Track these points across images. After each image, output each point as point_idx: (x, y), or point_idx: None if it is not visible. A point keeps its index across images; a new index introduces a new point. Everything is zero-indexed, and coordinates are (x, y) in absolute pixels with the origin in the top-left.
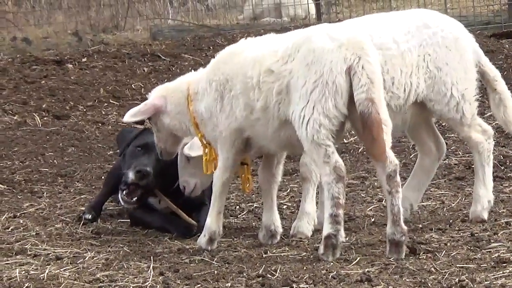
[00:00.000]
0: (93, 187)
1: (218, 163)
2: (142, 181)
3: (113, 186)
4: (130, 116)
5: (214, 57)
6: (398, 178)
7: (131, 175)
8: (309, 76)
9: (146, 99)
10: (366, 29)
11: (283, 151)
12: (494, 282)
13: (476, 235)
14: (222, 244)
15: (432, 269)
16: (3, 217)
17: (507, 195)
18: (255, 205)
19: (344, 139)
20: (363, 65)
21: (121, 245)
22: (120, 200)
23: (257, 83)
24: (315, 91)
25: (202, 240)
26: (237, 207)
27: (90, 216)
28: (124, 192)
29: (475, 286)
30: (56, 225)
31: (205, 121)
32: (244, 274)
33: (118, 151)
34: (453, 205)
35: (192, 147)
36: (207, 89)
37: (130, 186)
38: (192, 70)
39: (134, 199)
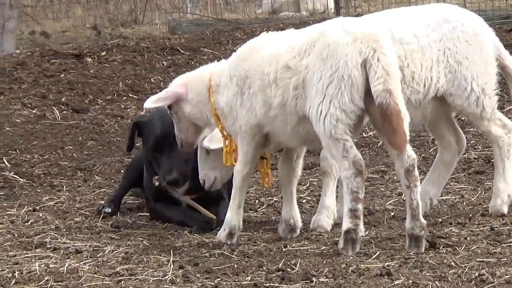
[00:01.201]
0: (112, 180)
1: (238, 157)
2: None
3: (133, 180)
4: (151, 102)
5: (233, 51)
6: (416, 172)
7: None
8: (324, 70)
9: None
10: (386, 24)
11: (302, 146)
12: None
13: (496, 229)
14: (242, 238)
15: (452, 263)
16: (23, 211)
17: None
18: (274, 199)
19: (363, 133)
20: (379, 58)
21: (140, 239)
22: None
23: (274, 80)
24: (331, 85)
25: (222, 234)
26: (257, 201)
27: (109, 209)
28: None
29: (495, 280)
30: (75, 219)
31: (225, 115)
32: (264, 268)
33: (137, 144)
34: (472, 199)
35: (212, 140)
36: (228, 83)
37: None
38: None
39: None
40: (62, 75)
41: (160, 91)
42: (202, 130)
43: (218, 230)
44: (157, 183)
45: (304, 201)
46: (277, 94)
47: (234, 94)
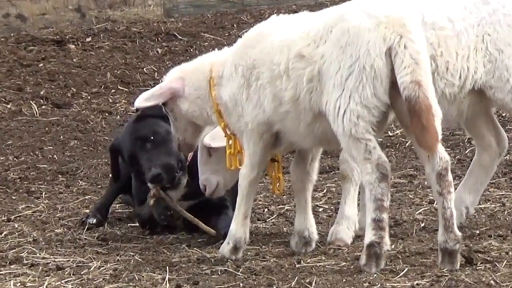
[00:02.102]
0: (99, 186)
1: (244, 159)
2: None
3: (121, 185)
4: (142, 100)
5: (238, 37)
6: (450, 177)
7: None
8: (343, 60)
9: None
10: (416, 6)
11: (318, 147)
12: None
13: None
14: (249, 253)
15: (492, 281)
16: None
17: None
18: (286, 207)
19: (388, 132)
20: (405, 44)
21: (131, 253)
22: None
23: (286, 70)
24: (350, 77)
25: (225, 248)
26: (266, 210)
27: (95, 220)
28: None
29: None
30: (56, 230)
31: (229, 110)
32: (274, 287)
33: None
34: None
35: (214, 137)
36: (232, 74)
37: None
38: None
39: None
40: (41, 65)
41: (154, 82)
42: (202, 130)
43: (221, 243)
44: (151, 202)
45: (320, 209)
46: (289, 87)
47: (239, 86)
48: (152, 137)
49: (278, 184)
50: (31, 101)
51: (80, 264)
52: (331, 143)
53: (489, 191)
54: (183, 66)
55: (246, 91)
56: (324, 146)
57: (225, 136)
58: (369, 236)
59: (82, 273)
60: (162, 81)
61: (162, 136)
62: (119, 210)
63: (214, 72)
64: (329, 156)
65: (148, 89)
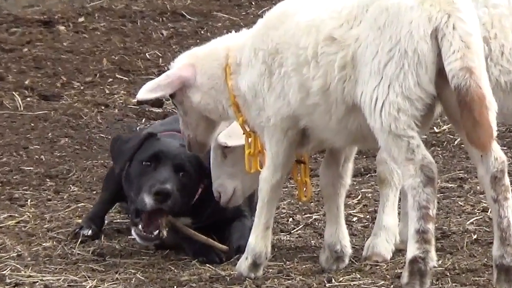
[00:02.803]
0: (94, 192)
1: (266, 160)
2: (165, 204)
3: (116, 191)
4: (146, 92)
5: (257, 17)
6: (507, 180)
7: (148, 201)
8: (381, 43)
9: (165, 72)
10: None
11: (352, 145)
12: None
13: None
14: (270, 270)
15: None
16: None
17: None
18: (314, 216)
19: (434, 128)
20: (454, 25)
21: (132, 271)
22: (136, 237)
23: (314, 55)
24: (390, 63)
25: (243, 264)
26: (290, 219)
27: (90, 231)
28: (140, 226)
29: None
30: (44, 244)
31: (248, 103)
32: None
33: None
34: None
35: (230, 135)
36: (251, 60)
37: (148, 215)
38: (230, 32)
39: (155, 232)
40: (26, 49)
41: (158, 70)
42: (216, 126)
43: (238, 258)
44: (165, 232)
45: (354, 219)
46: (318, 75)
47: (260, 74)
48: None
49: (305, 189)
50: (13, 92)
51: (72, 284)
52: (367, 141)
53: None
54: (193, 51)
55: (268, 80)
56: (359, 144)
57: (244, 133)
58: (412, 250)
59: None
60: (169, 69)
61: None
62: (118, 220)
63: (230, 58)
64: (364, 156)
65: (151, 78)
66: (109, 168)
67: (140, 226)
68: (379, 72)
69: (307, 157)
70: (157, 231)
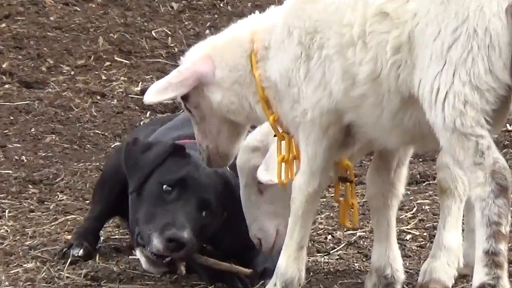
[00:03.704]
0: (87, 201)
1: (301, 164)
2: (176, 254)
3: (109, 203)
4: (155, 93)
5: None
6: None
7: (157, 244)
8: (445, 21)
9: (174, 55)
10: None
11: (408, 146)
12: None
13: None
14: None
15: None
16: None
17: None
18: (358, 233)
19: (508, 125)
20: None
21: None
22: (142, 260)
23: (361, 35)
24: (455, 46)
25: None
26: (329, 237)
27: (81, 250)
28: (148, 247)
29: None
30: (25, 265)
31: (281, 93)
32: None
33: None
34: None
35: (269, 166)
36: (284, 40)
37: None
38: (255, 12)
39: (167, 259)
40: (4, 25)
41: (167, 52)
42: (242, 131)
43: (264, 285)
44: (183, 270)
45: (408, 237)
46: (366, 60)
47: (294, 58)
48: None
49: (351, 212)
50: None
51: None
52: (427, 141)
53: None
54: (209, 41)
55: (305, 65)
56: (417, 145)
57: (275, 135)
58: (480, 276)
59: None
60: (181, 60)
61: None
62: (116, 236)
63: (256, 43)
64: (420, 160)
65: (158, 62)
66: (101, 173)
67: (148, 248)
68: (442, 56)
69: (352, 171)
70: (170, 258)
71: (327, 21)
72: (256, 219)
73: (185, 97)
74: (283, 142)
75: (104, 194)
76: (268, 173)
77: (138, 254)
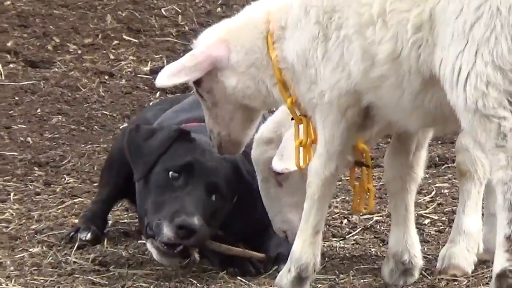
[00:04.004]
0: (94, 184)
1: (318, 147)
2: (187, 241)
3: (116, 186)
4: (168, 76)
5: None
6: None
7: (167, 232)
8: None
9: (185, 33)
10: None
11: (429, 128)
12: None
13: None
14: (319, 285)
15: None
16: None
17: None
18: (375, 218)
19: None
20: None
21: (143, 285)
22: (153, 252)
23: (381, 13)
24: (478, 24)
25: (284, 278)
26: (345, 221)
27: (89, 234)
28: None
29: None
30: (31, 250)
31: (298, 74)
32: None
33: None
34: None
35: (283, 155)
36: (300, 20)
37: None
38: None
39: (180, 248)
40: (8, 3)
41: (177, 31)
42: (255, 117)
43: (278, 270)
44: (197, 256)
45: (426, 221)
46: (386, 39)
47: (312, 38)
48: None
49: (367, 198)
50: None
51: None
52: (448, 123)
53: None
54: (223, 24)
55: (323, 45)
56: (438, 127)
57: (293, 118)
58: (501, 262)
59: None
60: (193, 45)
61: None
62: (124, 220)
63: (273, 23)
64: (439, 142)
65: (168, 41)
66: (109, 155)
67: (158, 238)
68: (464, 34)
69: (369, 157)
70: (181, 246)
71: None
72: (278, 212)
73: (197, 82)
74: (300, 126)
75: (111, 176)
76: (283, 162)
77: (148, 246)
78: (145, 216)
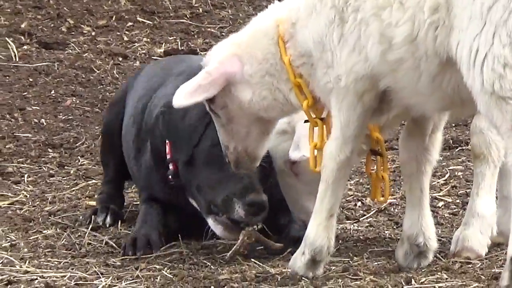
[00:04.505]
0: None
1: (333, 131)
2: (256, 218)
3: (118, 163)
4: (186, 95)
5: None
6: None
7: (240, 211)
8: None
9: (199, 15)
10: None
11: (447, 111)
12: None
13: None
14: (333, 268)
15: None
16: None
17: None
18: (389, 200)
19: None
20: None
21: (157, 267)
22: (217, 227)
23: None
24: (496, 5)
25: (298, 261)
26: (359, 203)
27: (104, 216)
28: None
29: None
30: (45, 231)
31: (315, 62)
32: None
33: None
34: None
35: (298, 144)
36: (315, 5)
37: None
38: None
39: (242, 224)
40: None
41: (191, 13)
42: (271, 128)
43: (292, 253)
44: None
45: (440, 204)
46: (402, 21)
47: (328, 23)
48: None
49: (383, 188)
50: (7, 38)
51: (80, 282)
52: (466, 106)
53: None
54: (232, 39)
55: (339, 29)
56: (456, 110)
57: (309, 120)
58: None
59: None
60: (204, 63)
61: None
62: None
63: (282, 24)
64: (453, 125)
65: (182, 23)
66: (102, 135)
67: (226, 215)
68: (482, 16)
69: (383, 146)
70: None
71: None
72: (296, 201)
73: (210, 99)
74: (315, 129)
75: (109, 157)
76: (299, 151)
77: (211, 222)
78: (199, 193)
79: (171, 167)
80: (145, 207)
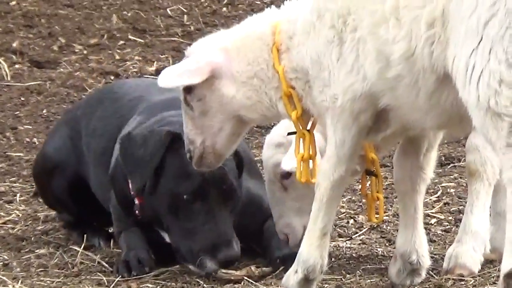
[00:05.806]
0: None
1: (327, 150)
2: (228, 267)
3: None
4: (170, 78)
5: None
6: None
7: (211, 266)
8: None
9: (190, 33)
10: None
11: (444, 128)
12: None
13: None
14: (327, 285)
15: None
16: None
17: None
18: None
19: None
20: None
21: (150, 285)
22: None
23: (393, 11)
24: (492, 21)
25: (291, 279)
26: (351, 221)
27: (98, 241)
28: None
29: None
30: (37, 251)
31: (312, 80)
32: None
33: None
34: None
35: (292, 157)
36: (314, 24)
37: None
38: None
39: None
40: (14, 3)
41: (182, 30)
42: (244, 131)
43: (284, 271)
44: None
45: (433, 221)
46: (399, 37)
47: (327, 42)
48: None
49: (378, 208)
50: None
51: None
52: (464, 123)
53: None
54: (223, 33)
55: (337, 49)
56: (453, 126)
57: (297, 130)
58: (509, 262)
59: None
60: (187, 53)
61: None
62: None
63: (280, 34)
64: (445, 142)
65: (173, 41)
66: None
67: (199, 269)
68: (478, 32)
69: (378, 166)
70: None
71: (361, 0)
72: (282, 215)
73: (187, 89)
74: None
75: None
76: (291, 161)
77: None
78: (168, 232)
79: (136, 202)
80: (125, 234)
